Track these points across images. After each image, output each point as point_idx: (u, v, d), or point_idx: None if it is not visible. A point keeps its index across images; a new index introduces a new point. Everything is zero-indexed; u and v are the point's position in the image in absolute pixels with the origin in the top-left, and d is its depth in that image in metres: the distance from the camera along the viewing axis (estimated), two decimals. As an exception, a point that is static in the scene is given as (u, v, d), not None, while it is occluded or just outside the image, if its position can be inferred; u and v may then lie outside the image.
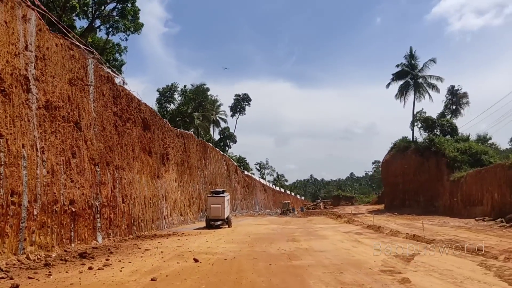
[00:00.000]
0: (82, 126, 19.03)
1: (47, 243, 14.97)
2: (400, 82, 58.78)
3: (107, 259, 13.76)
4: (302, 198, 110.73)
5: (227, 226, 31.57)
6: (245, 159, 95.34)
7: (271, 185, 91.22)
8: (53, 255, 14.59)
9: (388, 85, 60.13)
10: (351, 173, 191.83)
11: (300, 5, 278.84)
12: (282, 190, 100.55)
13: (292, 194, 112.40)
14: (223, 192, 33.05)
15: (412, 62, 57.69)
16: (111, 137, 23.00)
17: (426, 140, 53.43)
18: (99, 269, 11.82)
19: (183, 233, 25.71)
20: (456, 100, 58.33)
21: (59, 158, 16.40)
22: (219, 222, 30.73)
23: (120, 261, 13.53)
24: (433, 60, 56.88)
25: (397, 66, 59.00)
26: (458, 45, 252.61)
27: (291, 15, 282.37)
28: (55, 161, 16.05)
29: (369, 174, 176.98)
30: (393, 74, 59.00)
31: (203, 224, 37.36)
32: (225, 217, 31.31)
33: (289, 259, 13.48)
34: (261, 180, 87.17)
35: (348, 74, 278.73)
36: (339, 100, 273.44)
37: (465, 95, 58.09)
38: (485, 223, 31.44)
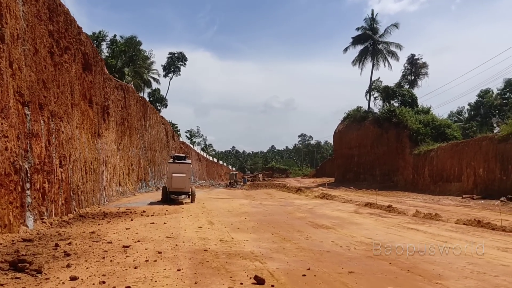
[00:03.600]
0: (6, 37, 11.26)
1: None
2: (360, 47, 54.44)
3: (72, 278, 6.80)
4: (234, 169, 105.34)
5: (190, 201, 24.87)
6: (177, 126, 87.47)
7: (204, 155, 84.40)
8: (-48, 264, 7.28)
9: (345, 50, 55.61)
10: (272, 146, 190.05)
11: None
12: (215, 160, 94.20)
13: (225, 164, 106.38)
14: (185, 157, 26.00)
15: (374, 25, 53.35)
16: (46, 68, 15.18)
17: (386, 111, 49.74)
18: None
19: (144, 212, 18.69)
20: (415, 70, 55.27)
21: (-36, 79, 8.77)
22: (183, 196, 23.88)
23: (103, 282, 6.64)
24: (395, 25, 53.02)
25: (357, 29, 54.52)
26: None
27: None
28: (-43, 83, 8.45)
29: (290, 148, 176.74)
30: (352, 38, 54.40)
31: (146, 197, 30.31)
32: (189, 189, 24.54)
33: (414, 277, 7.48)
34: (196, 148, 79.99)
35: (269, 48, 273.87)
36: (260, 73, 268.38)
37: (424, 65, 55.19)
38: (482, 202, 27.84)
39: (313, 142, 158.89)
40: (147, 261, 8.23)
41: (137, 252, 9.14)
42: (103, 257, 8.51)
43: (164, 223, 14.60)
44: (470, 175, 34.41)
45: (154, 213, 18.29)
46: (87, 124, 21.79)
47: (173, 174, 23.57)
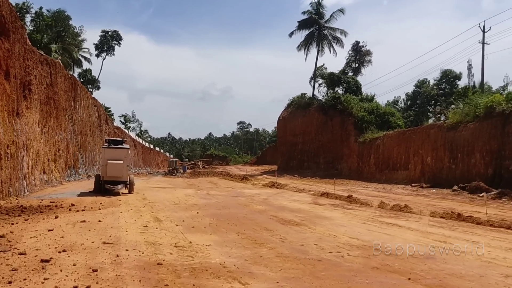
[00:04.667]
0: None
1: None
2: (305, 32, 52.90)
3: None
4: (171, 156, 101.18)
5: (127, 191, 21.90)
6: (110, 110, 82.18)
7: (140, 141, 79.93)
8: None
9: (291, 34, 53.82)
10: (210, 133, 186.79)
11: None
12: (151, 146, 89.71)
13: (161, 151, 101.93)
14: (122, 142, 22.81)
15: (320, 10, 52.00)
16: None
17: (331, 98, 48.76)
18: None
19: (72, 205, 15.60)
20: (359, 57, 54.73)
21: None
22: (119, 186, 20.85)
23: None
24: (341, 11, 51.98)
25: (303, 13, 52.92)
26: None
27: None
28: None
29: (227, 135, 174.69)
30: (298, 22, 52.77)
31: (76, 186, 27.00)
32: (127, 178, 21.52)
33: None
34: (131, 134, 75.42)
35: (207, 34, 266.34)
36: (197, 60, 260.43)
37: (368, 52, 54.78)
38: (434, 190, 27.29)
39: (252, 129, 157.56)
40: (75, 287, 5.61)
41: (61, 270, 6.44)
42: (9, 282, 5.76)
43: (99, 221, 11.79)
44: (418, 163, 34.05)
45: (85, 207, 15.31)
46: (2, 101, 18.16)
47: (109, 161, 20.43)
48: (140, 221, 12.01)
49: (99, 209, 14.83)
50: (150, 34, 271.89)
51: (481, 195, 22.60)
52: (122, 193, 21.46)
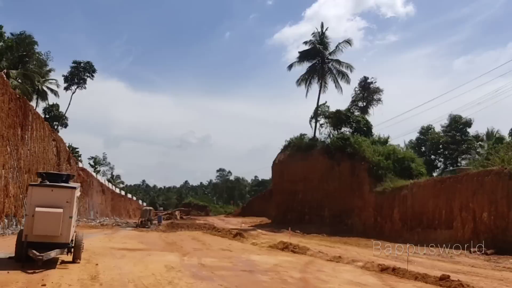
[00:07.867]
0: None
1: None
2: (307, 64, 46.19)
3: None
4: (145, 204, 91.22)
5: (72, 259, 13.22)
6: (78, 150, 73.00)
7: (110, 186, 70.42)
8: None
9: (290, 67, 47.14)
10: (186, 181, 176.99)
11: (144, 2, 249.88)
12: (123, 193, 79.99)
13: (134, 198, 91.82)
14: (68, 177, 14.20)
15: (325, 40, 45.61)
16: None
17: (339, 139, 41.38)
18: None
19: None
20: (367, 95, 48.13)
21: None
22: (54, 253, 12.13)
23: None
24: (348, 42, 45.67)
25: (305, 43, 46.42)
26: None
27: (132, 12, 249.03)
28: None
29: (204, 183, 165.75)
30: (300, 52, 46.16)
31: (4, 244, 17.92)
32: (70, 238, 12.89)
33: None
34: (99, 178, 65.98)
35: (185, 83, 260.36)
36: (176, 108, 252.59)
37: (377, 90, 48.25)
38: (516, 260, 19.30)
39: (232, 177, 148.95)
40: None
41: None
42: None
43: None
44: (467, 220, 26.35)
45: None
46: None
47: (37, 209, 11.88)
48: None
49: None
50: (129, 81, 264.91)
51: None
52: (61, 263, 12.77)
